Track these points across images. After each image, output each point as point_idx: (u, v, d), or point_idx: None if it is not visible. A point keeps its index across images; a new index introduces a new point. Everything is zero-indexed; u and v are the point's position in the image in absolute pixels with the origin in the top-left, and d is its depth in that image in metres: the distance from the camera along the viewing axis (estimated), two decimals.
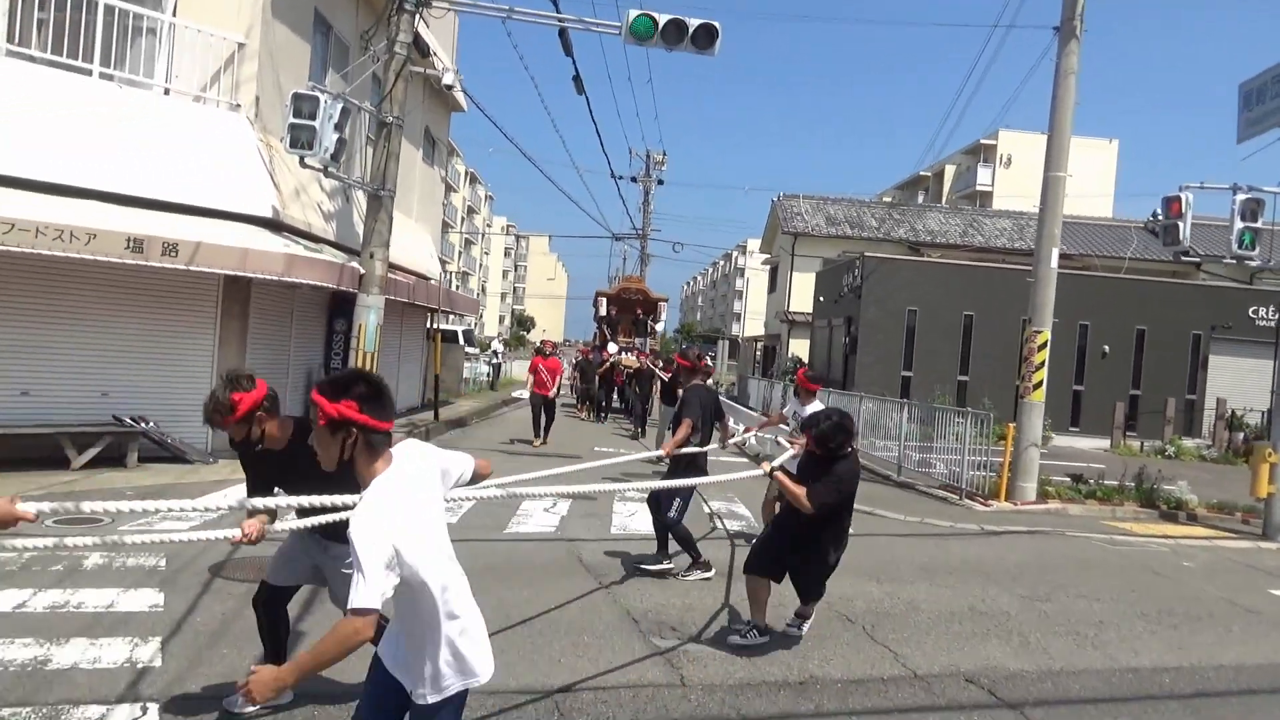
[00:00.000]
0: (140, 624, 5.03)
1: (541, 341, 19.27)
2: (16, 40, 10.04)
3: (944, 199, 54.20)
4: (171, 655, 4.60)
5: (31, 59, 10.08)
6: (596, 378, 22.41)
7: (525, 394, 16.31)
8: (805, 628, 5.66)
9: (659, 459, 7.04)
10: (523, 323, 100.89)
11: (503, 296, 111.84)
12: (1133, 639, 6.25)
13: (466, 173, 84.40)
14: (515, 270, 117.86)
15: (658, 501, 7.13)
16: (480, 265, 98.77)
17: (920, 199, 55.27)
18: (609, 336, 24.76)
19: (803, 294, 32.50)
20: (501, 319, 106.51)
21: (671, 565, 7.08)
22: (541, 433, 15.85)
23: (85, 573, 5.99)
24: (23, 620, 4.84)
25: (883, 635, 5.87)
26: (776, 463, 5.60)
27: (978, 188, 52.46)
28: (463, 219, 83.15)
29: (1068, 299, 12.98)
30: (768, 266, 42.48)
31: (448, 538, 2.69)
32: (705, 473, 7.10)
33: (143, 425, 10.19)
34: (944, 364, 23.41)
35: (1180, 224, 10.93)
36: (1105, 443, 21.83)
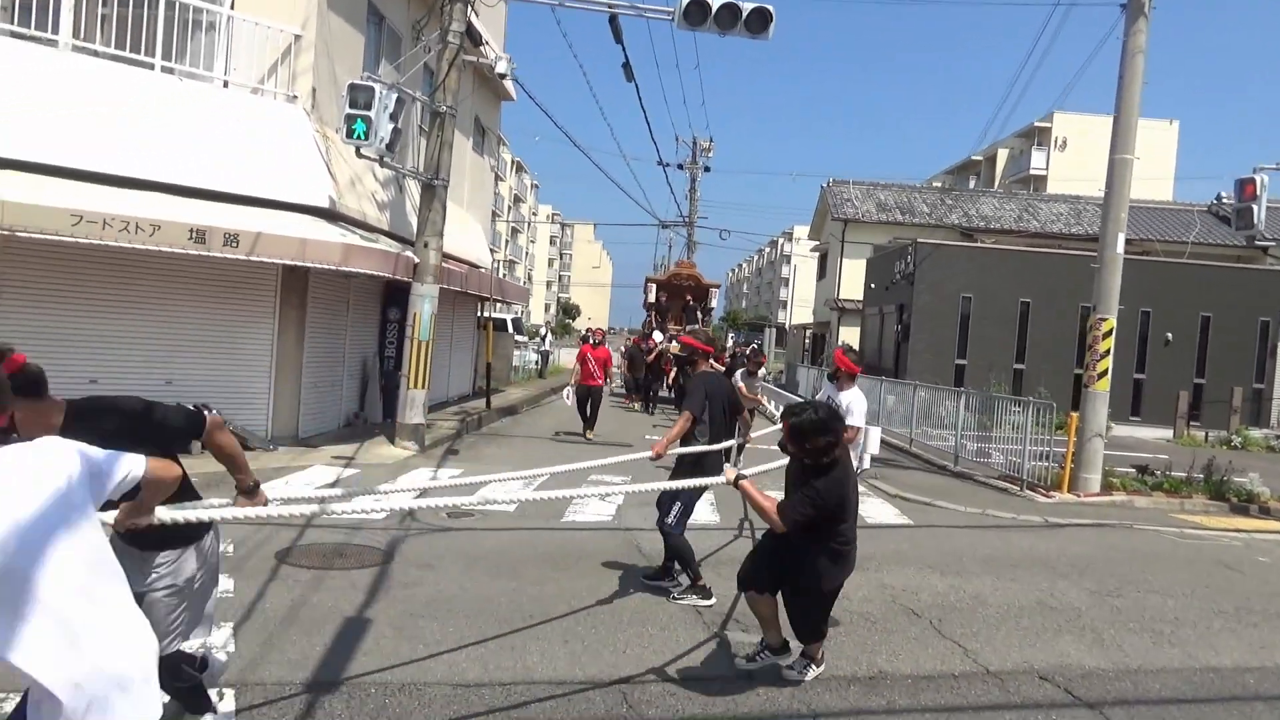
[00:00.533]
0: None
1: (589, 330, 17.63)
2: (81, 36, 10.24)
3: (996, 183, 53.12)
4: (244, 640, 4.66)
5: (95, 54, 10.26)
6: (645, 367, 22.12)
7: (569, 392, 14.94)
8: (812, 674, 4.69)
9: (653, 459, 5.95)
10: (568, 311, 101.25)
11: (548, 284, 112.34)
12: (1211, 637, 6.04)
13: (513, 161, 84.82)
14: (561, 258, 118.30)
15: (660, 505, 6.25)
16: (526, 254, 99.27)
17: (971, 184, 54.25)
18: (658, 324, 23.96)
19: (853, 281, 32.11)
20: (547, 307, 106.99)
21: (671, 584, 6.21)
22: (592, 424, 15.22)
23: None
24: None
25: (950, 630, 5.75)
26: (759, 469, 4.84)
27: (1031, 172, 51.29)
28: (509, 207, 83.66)
29: (1128, 285, 12.59)
30: (816, 253, 42.03)
31: (75, 556, 2.05)
32: (718, 472, 5.54)
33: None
34: (999, 352, 22.98)
35: (1254, 207, 10.57)
36: (1168, 433, 21.27)
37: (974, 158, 55.55)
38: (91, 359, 10.14)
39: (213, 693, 4.00)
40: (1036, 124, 50.72)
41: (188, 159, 10.20)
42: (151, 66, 10.41)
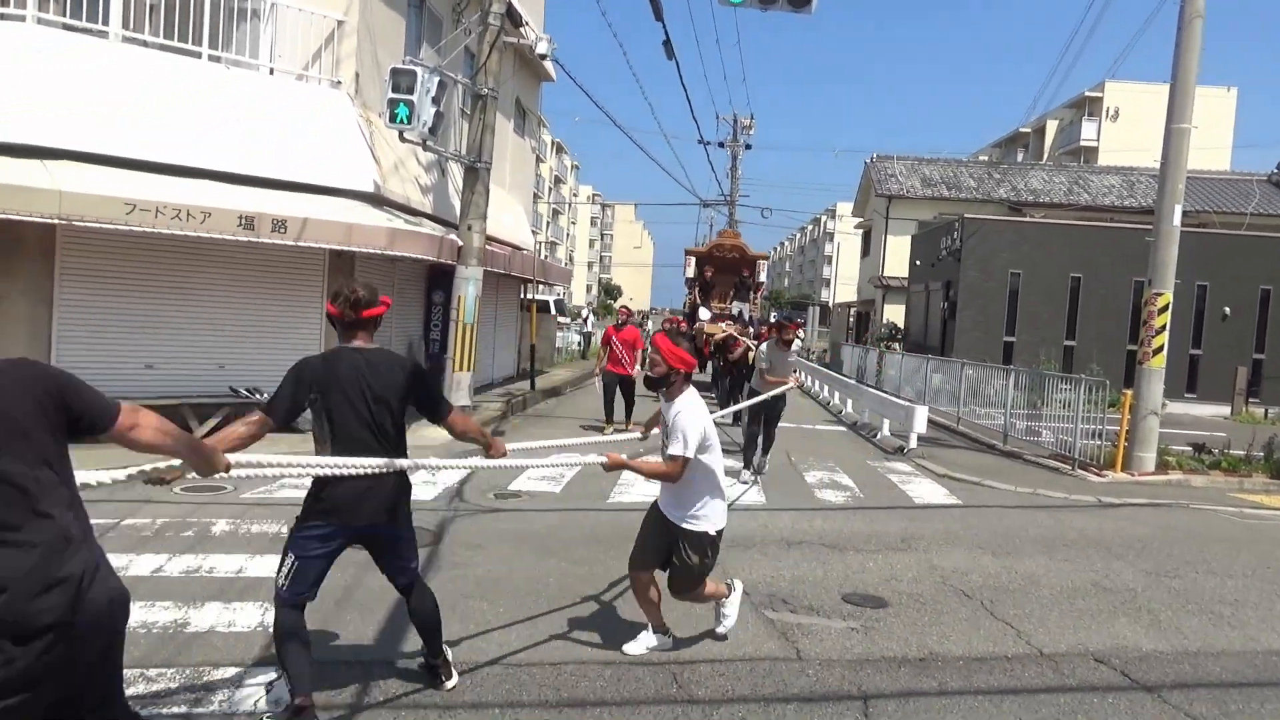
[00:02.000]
0: (269, 589, 5.19)
1: (618, 308, 15.44)
2: (130, 27, 10.40)
3: (1045, 156, 51.88)
4: None
5: (144, 44, 10.42)
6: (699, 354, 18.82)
7: (598, 381, 13.49)
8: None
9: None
10: (610, 291, 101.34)
11: (589, 265, 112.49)
12: (1273, 619, 5.89)
13: (553, 143, 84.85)
14: (601, 239, 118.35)
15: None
16: (567, 235, 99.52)
17: (1019, 157, 53.09)
18: (701, 302, 20.85)
19: (897, 258, 31.70)
20: (589, 288, 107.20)
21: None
22: (624, 416, 13.16)
23: (215, 539, 6.25)
24: (161, 584, 5.07)
25: (1003, 611, 5.68)
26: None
27: (1082, 143, 50.02)
28: (549, 189, 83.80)
29: (1184, 258, 12.24)
30: (860, 230, 41.52)
31: None
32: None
33: (257, 396, 10.57)
34: (1049, 328, 22.56)
35: None
36: (1225, 410, 20.75)
37: (1022, 130, 54.39)
38: (147, 344, 10.38)
39: (271, 669, 4.11)
40: (1087, 94, 49.48)
41: (235, 146, 10.35)
42: (199, 55, 10.55)
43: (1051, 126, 53.88)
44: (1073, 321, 22.78)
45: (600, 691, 4.14)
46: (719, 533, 4.54)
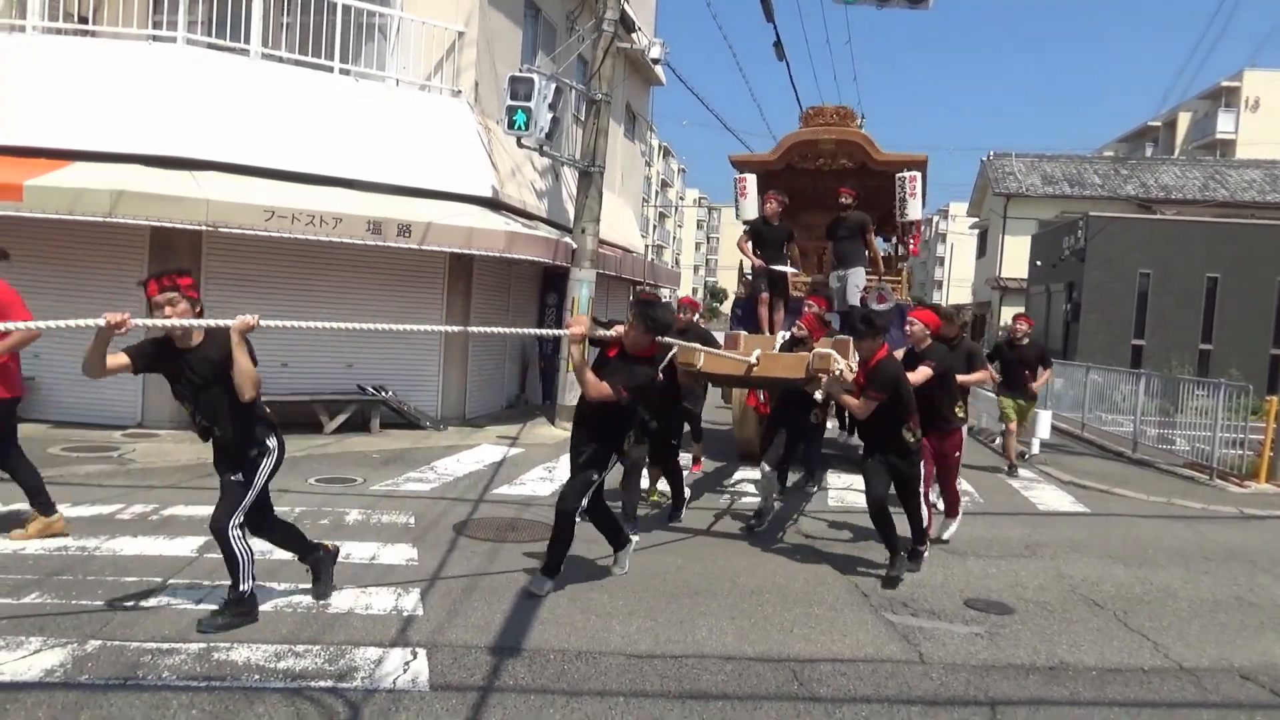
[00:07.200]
0: (400, 576, 5.46)
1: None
2: (268, 44, 11.02)
3: (1177, 151, 49.17)
4: (431, 606, 4.96)
5: (280, 60, 11.03)
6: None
7: None
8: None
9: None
10: (715, 294, 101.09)
11: (695, 269, 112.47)
12: None
13: (660, 146, 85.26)
14: (708, 242, 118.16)
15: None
16: (674, 238, 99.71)
17: (1149, 152, 50.46)
18: (766, 269, 9.87)
19: (1015, 259, 30.61)
20: (694, 290, 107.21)
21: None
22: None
23: (349, 528, 6.57)
24: (301, 568, 5.35)
25: (1137, 623, 5.44)
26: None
27: (1218, 136, 47.24)
28: (656, 193, 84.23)
29: None
30: (975, 230, 40.26)
31: None
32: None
33: (383, 394, 11.04)
34: (1182, 331, 21.40)
35: None
36: None
37: (1150, 123, 51.69)
38: (282, 343, 10.92)
39: (406, 652, 4.31)
40: (1224, 84, 46.75)
41: (363, 154, 10.84)
42: (330, 69, 11.10)
43: (1184, 119, 51.02)
44: (1209, 324, 21.53)
45: (722, 685, 4.18)
46: None
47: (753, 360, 6.82)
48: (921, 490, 6.33)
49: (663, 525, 7.24)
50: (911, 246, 11.99)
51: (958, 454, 6.95)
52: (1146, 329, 21.80)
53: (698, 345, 6.98)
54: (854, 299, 9.80)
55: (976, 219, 39.37)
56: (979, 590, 5.93)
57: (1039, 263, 27.03)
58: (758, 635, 4.85)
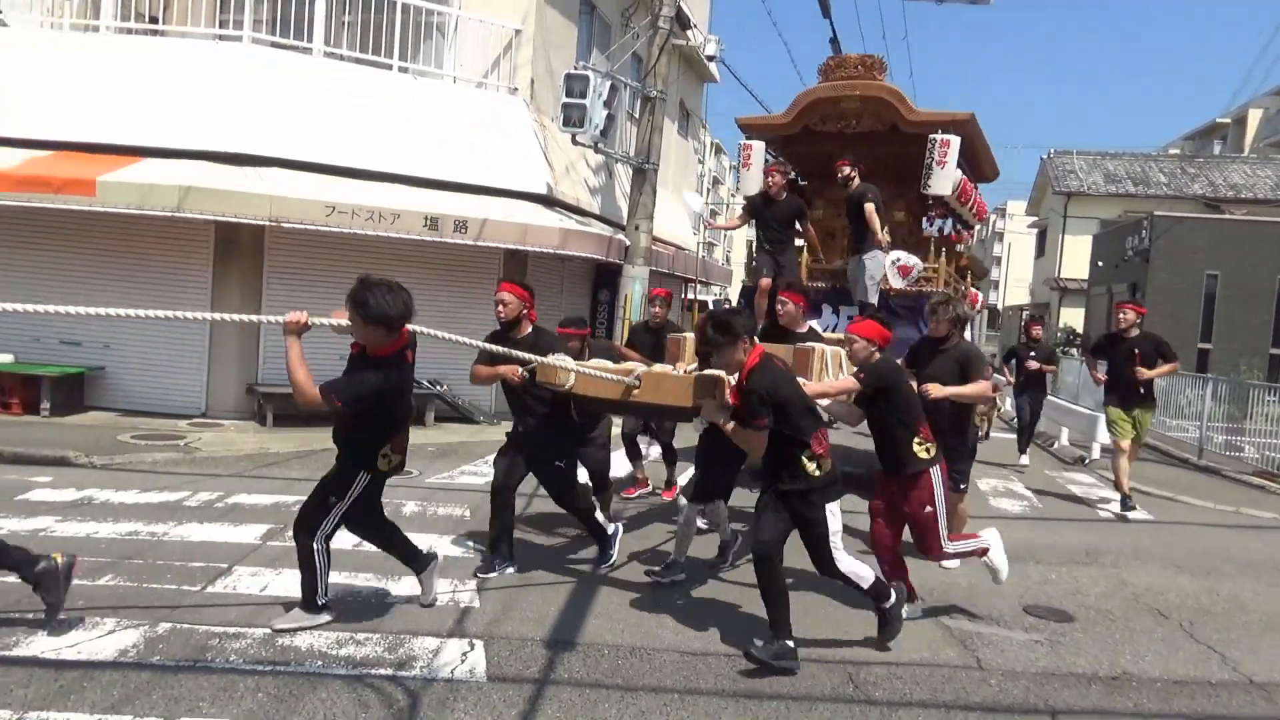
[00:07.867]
0: (457, 568, 5.54)
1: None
2: (330, 42, 11.22)
3: (1247, 148, 47.55)
4: (487, 598, 5.02)
5: (341, 58, 11.23)
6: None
7: None
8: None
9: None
10: None
11: (744, 268, 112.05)
12: None
13: (711, 144, 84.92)
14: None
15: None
16: (724, 236, 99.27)
17: (1216, 150, 48.90)
18: (777, 250, 8.37)
19: (1075, 259, 29.93)
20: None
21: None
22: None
23: (405, 519, 6.65)
24: (363, 558, 5.46)
25: (1204, 635, 5.29)
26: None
27: None
28: (708, 189, 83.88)
29: None
30: (1033, 230, 39.43)
31: None
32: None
33: (438, 388, 11.18)
34: (1251, 335, 20.76)
35: None
36: None
37: (1219, 120, 50.04)
38: (340, 338, 11.12)
39: (464, 643, 4.36)
40: None
41: (421, 151, 10.99)
42: (390, 67, 11.27)
43: (1254, 116, 49.24)
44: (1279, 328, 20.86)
45: (776, 686, 4.16)
46: None
47: (631, 381, 5.03)
48: (943, 533, 4.99)
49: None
50: (977, 212, 9.91)
51: (929, 508, 4.89)
52: (1214, 332, 21.19)
53: (537, 356, 5.22)
54: (869, 294, 8.18)
55: (1035, 218, 38.55)
56: (1038, 597, 5.83)
57: (1100, 263, 26.41)
58: (809, 633, 4.81)
